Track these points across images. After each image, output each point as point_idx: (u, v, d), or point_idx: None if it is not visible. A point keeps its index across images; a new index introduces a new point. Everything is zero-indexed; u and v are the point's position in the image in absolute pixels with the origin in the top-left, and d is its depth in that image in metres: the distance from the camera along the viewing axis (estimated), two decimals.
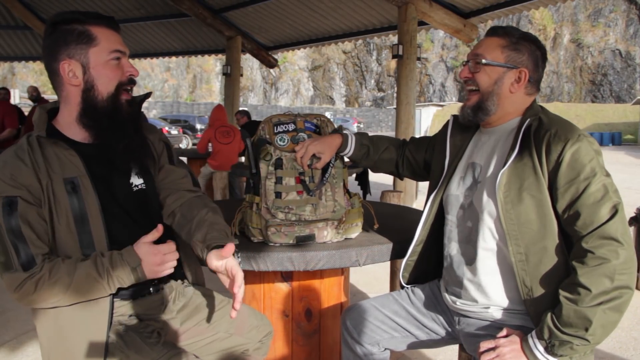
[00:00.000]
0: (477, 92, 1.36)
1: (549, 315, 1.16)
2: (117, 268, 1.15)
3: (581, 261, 1.14)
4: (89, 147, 1.24)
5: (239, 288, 1.15)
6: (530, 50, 1.32)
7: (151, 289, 1.32)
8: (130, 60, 1.30)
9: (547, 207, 1.22)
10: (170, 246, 1.22)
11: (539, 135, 1.24)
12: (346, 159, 1.68)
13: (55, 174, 1.17)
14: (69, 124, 1.23)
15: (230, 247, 1.15)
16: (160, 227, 1.20)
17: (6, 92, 6.30)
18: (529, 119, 1.28)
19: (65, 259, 1.15)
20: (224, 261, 1.16)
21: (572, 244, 1.22)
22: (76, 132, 1.24)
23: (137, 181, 1.32)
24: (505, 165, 1.25)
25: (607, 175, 1.18)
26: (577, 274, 1.13)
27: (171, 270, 1.23)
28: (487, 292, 1.33)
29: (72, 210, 1.17)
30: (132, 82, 1.26)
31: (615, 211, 1.14)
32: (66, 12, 1.21)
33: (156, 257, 1.18)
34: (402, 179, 1.79)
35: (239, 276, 1.15)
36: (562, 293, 1.16)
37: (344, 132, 1.63)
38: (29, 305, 1.15)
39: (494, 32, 1.36)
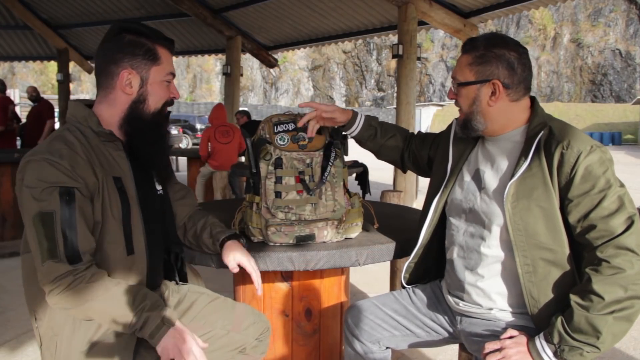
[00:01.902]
0: (461, 111, 1.37)
1: (559, 319, 1.16)
2: (153, 314, 1.12)
3: (595, 269, 1.13)
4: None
5: (254, 272, 1.37)
6: (498, 57, 1.27)
7: (154, 285, 1.33)
8: None
9: (557, 218, 1.21)
10: (196, 352, 1.13)
11: (550, 146, 1.21)
12: (347, 159, 1.68)
13: (107, 171, 1.20)
14: (109, 125, 1.26)
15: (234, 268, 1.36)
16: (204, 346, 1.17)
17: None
18: (540, 129, 1.25)
19: (113, 278, 1.15)
20: (233, 258, 1.36)
21: (580, 255, 1.22)
22: (114, 132, 1.27)
23: (157, 187, 1.40)
24: (515, 176, 1.24)
25: (622, 185, 1.18)
26: (592, 281, 1.12)
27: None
28: (490, 296, 1.32)
29: (121, 209, 1.20)
30: (172, 102, 1.36)
31: (631, 222, 1.13)
32: (138, 24, 1.28)
33: (184, 344, 1.12)
34: (405, 172, 1.79)
35: (249, 266, 1.36)
36: (573, 298, 1.15)
37: (354, 109, 1.66)
38: (54, 302, 1.11)
39: (463, 49, 1.34)
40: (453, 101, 1.40)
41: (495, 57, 1.27)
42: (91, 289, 1.10)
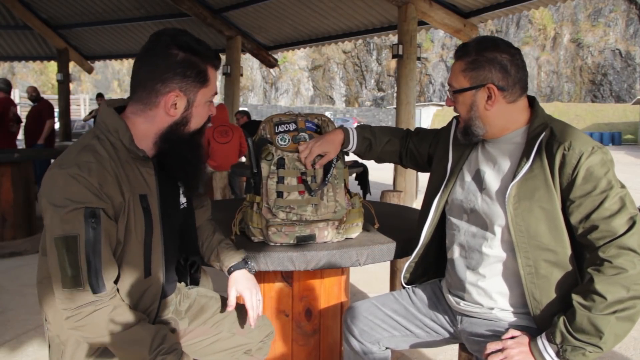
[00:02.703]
0: (460, 117, 1.37)
1: (561, 319, 1.16)
2: (170, 353, 1.11)
3: (598, 269, 1.13)
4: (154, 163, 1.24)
5: (251, 310, 1.35)
6: (489, 61, 1.26)
7: (167, 292, 1.33)
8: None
9: (559, 219, 1.21)
10: None
11: (551, 147, 1.22)
12: (347, 159, 1.67)
13: (134, 189, 1.14)
14: (142, 138, 1.18)
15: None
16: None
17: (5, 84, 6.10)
18: (541, 130, 1.25)
19: (131, 311, 1.10)
20: (235, 290, 1.35)
21: (581, 255, 1.22)
22: (147, 147, 1.20)
23: (182, 199, 1.35)
24: (517, 177, 1.24)
25: (623, 186, 1.18)
26: (594, 281, 1.13)
27: None
28: (491, 296, 1.32)
29: (145, 227, 1.15)
30: (209, 120, 1.29)
31: (632, 223, 1.13)
32: (189, 38, 1.17)
33: None
34: (406, 168, 1.80)
35: (248, 302, 1.35)
36: (576, 299, 1.15)
37: (344, 126, 1.63)
38: (71, 328, 1.07)
39: (455, 55, 1.34)
40: None
41: (487, 61, 1.27)
42: (111, 324, 1.06)
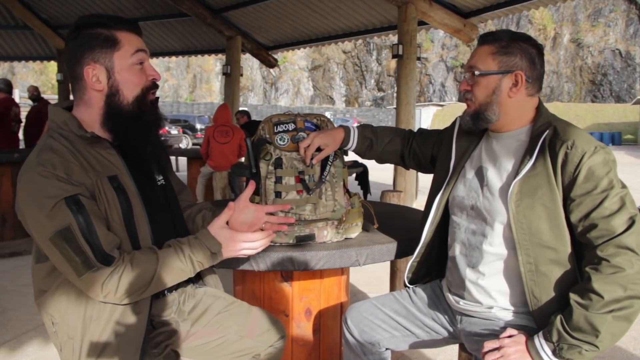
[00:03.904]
0: (474, 102, 1.35)
1: (558, 318, 1.16)
2: (198, 254, 1.19)
3: (595, 268, 1.14)
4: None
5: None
6: (522, 50, 1.29)
7: (165, 291, 1.32)
8: None
9: (560, 217, 1.21)
10: (249, 236, 1.25)
11: (554, 145, 1.22)
12: (347, 159, 1.67)
13: (100, 173, 1.17)
14: (92, 126, 1.21)
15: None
16: (231, 205, 1.27)
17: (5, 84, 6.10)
18: (544, 129, 1.26)
19: (142, 250, 1.17)
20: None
21: (582, 254, 1.22)
22: (99, 132, 1.22)
23: (158, 177, 1.36)
24: (519, 175, 1.24)
25: (624, 186, 1.18)
26: (591, 280, 1.13)
27: (244, 256, 1.28)
28: (491, 294, 1.32)
29: (121, 208, 1.18)
30: (155, 86, 1.26)
31: (631, 222, 1.14)
32: (90, 16, 1.20)
33: (236, 244, 1.23)
34: (407, 169, 1.79)
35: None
36: (573, 297, 1.15)
37: (346, 125, 1.63)
38: (115, 302, 1.13)
39: (483, 40, 1.34)
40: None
41: (521, 50, 1.29)
42: (140, 275, 1.12)
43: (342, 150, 1.62)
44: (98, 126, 1.22)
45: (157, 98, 1.30)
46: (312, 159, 1.51)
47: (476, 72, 1.32)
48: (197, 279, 1.46)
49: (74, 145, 1.16)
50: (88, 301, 1.15)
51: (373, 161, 1.75)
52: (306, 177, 1.50)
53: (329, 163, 1.53)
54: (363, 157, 1.71)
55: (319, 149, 1.52)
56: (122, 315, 1.17)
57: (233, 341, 1.39)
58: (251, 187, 1.31)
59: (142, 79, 1.23)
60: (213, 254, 1.21)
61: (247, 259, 1.42)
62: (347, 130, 1.61)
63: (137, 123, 1.22)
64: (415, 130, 1.72)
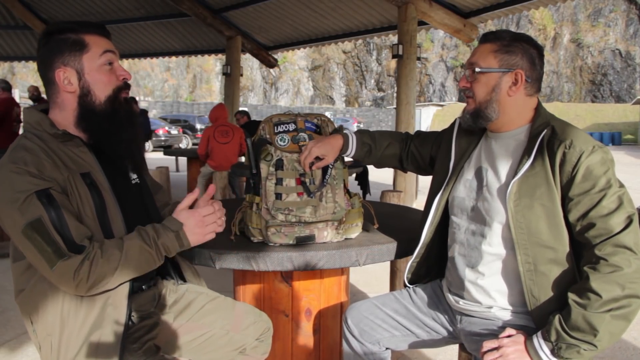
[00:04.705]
0: (474, 99, 1.36)
1: (557, 317, 1.16)
2: (161, 236, 1.20)
3: (593, 267, 1.14)
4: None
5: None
6: (523, 49, 1.30)
7: (143, 286, 1.34)
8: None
9: (559, 216, 1.21)
10: (209, 208, 1.25)
11: (553, 145, 1.23)
12: (347, 159, 1.67)
13: (72, 170, 1.19)
14: (65, 128, 1.24)
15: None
16: (197, 190, 1.28)
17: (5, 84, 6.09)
18: (543, 129, 1.27)
19: (112, 239, 1.18)
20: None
21: (580, 253, 1.22)
22: (74, 132, 1.25)
23: (132, 175, 1.38)
24: (518, 175, 1.25)
25: (621, 186, 1.19)
26: (589, 279, 1.13)
27: (213, 236, 1.27)
28: (490, 294, 1.33)
29: (94, 203, 1.19)
30: (127, 85, 1.30)
31: (629, 221, 1.14)
32: (59, 23, 1.25)
33: (196, 218, 1.23)
34: (405, 172, 1.79)
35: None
36: (571, 296, 1.15)
37: (344, 131, 1.63)
38: (85, 292, 1.14)
39: (485, 38, 1.35)
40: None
41: (522, 49, 1.30)
42: (109, 260, 1.13)
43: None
44: (72, 127, 1.25)
45: (133, 98, 1.31)
46: (310, 166, 1.51)
47: (477, 69, 1.32)
48: (179, 276, 1.47)
49: (47, 144, 1.19)
50: (65, 297, 1.16)
51: (372, 166, 1.75)
52: (307, 180, 1.50)
53: (330, 166, 1.53)
54: (362, 162, 1.72)
55: (316, 158, 1.52)
56: (101, 311, 1.17)
57: (219, 336, 1.41)
58: (194, 194, 1.29)
59: (112, 79, 1.26)
60: (175, 233, 1.21)
61: (247, 259, 1.42)
62: (345, 137, 1.60)
63: (110, 122, 1.26)
64: (414, 132, 1.72)
